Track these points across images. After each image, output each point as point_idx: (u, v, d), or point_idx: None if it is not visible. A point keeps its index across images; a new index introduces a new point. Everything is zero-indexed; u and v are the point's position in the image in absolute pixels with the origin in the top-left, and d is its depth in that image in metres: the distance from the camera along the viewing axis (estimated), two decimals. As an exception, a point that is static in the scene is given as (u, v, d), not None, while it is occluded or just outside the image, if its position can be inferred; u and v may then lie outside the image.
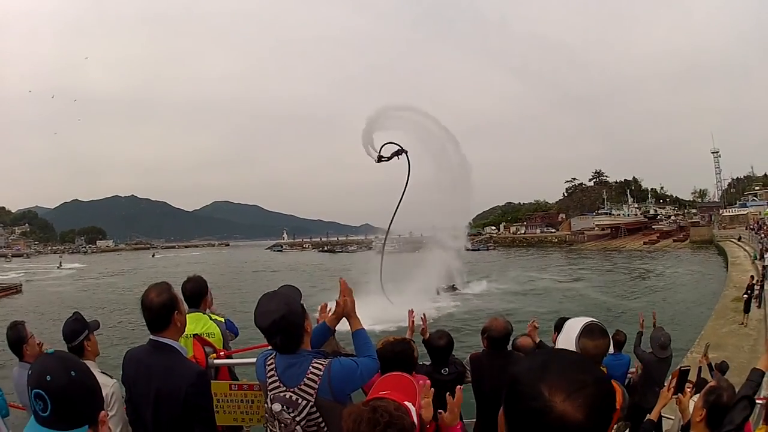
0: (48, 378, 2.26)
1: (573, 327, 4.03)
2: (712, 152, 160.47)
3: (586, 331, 3.91)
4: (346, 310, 4.21)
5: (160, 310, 4.16)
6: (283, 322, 3.71)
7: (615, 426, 7.80)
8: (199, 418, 4.06)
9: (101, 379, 3.45)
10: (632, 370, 9.70)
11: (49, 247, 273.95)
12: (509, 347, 6.59)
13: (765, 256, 40.29)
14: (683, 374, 4.98)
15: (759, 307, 27.65)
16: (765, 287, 29.97)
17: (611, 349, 8.00)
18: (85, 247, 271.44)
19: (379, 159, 42.59)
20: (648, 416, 5.24)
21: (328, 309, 4.67)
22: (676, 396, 4.89)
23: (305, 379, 3.71)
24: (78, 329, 4.85)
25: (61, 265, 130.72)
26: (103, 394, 2.70)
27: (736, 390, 4.53)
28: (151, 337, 4.24)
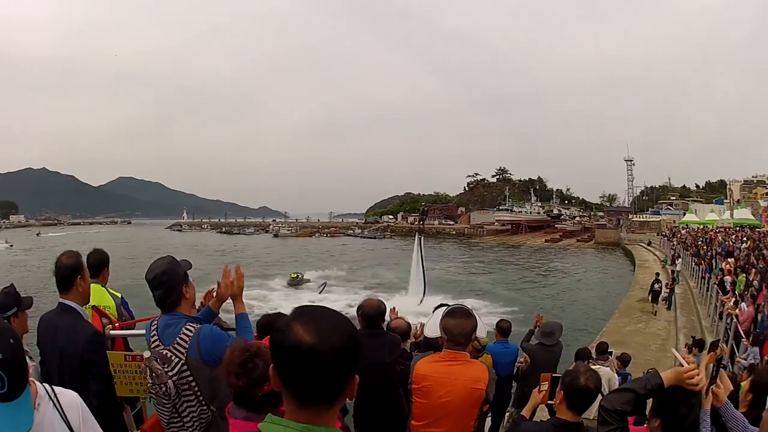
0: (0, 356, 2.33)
1: (440, 311, 4.71)
2: (626, 160, 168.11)
3: (449, 312, 4.44)
4: (232, 293, 4.34)
5: (66, 270, 4.38)
6: (164, 276, 4.00)
7: (507, 414, 9.75)
8: (94, 375, 4.18)
9: None
10: (521, 360, 9.91)
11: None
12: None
13: (677, 261, 40.83)
14: (555, 381, 4.89)
15: (669, 309, 29.02)
16: (675, 290, 31.10)
17: (496, 337, 9.55)
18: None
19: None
20: (521, 412, 5.26)
21: (214, 292, 4.83)
22: (550, 402, 4.86)
23: (178, 339, 3.92)
24: (8, 303, 4.52)
25: None
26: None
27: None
28: (59, 299, 4.41)
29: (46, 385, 2.74)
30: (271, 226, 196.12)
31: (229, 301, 4.43)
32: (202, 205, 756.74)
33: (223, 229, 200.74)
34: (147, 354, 4.10)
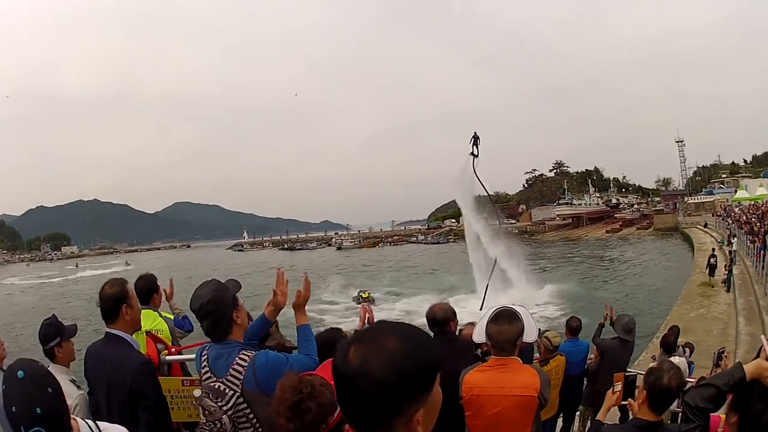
0: (38, 411, 2.38)
1: (488, 314, 4.37)
2: (677, 141, 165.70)
3: (493, 317, 4.29)
4: (296, 303, 4.25)
5: (110, 300, 4.35)
6: (210, 306, 3.81)
7: (578, 413, 9.38)
8: (144, 406, 4.15)
9: (67, 388, 3.55)
10: (591, 356, 9.65)
11: (17, 256, 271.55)
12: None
13: (733, 241, 40.41)
14: (629, 382, 5.15)
15: (728, 291, 28.46)
16: (734, 271, 30.50)
17: (566, 335, 9.43)
18: (51, 254, 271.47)
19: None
20: (597, 416, 5.16)
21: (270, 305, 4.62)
22: (626, 402, 4.74)
23: (231, 370, 3.75)
24: (51, 334, 4.62)
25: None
26: (68, 404, 2.70)
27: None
28: (106, 329, 4.43)
29: (90, 422, 2.91)
30: (333, 239, 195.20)
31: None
32: (263, 224, 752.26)
33: (286, 246, 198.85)
34: (197, 393, 3.96)
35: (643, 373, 6.73)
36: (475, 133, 44.58)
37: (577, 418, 9.73)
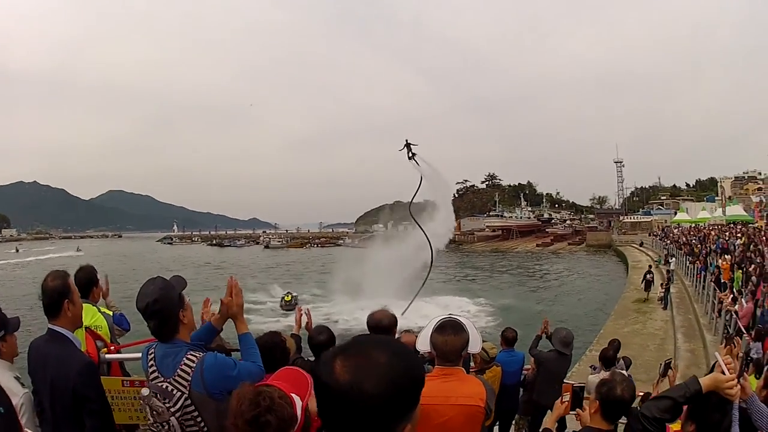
0: None
1: (432, 323, 4.32)
2: (616, 162, 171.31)
3: (438, 327, 4.19)
4: (231, 312, 4.08)
5: (52, 294, 4.16)
6: (156, 305, 3.67)
7: (513, 422, 9.92)
8: (88, 410, 4.00)
9: (12, 385, 3.73)
10: (527, 366, 9.90)
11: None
12: None
13: (670, 260, 41.54)
14: (576, 393, 5.09)
15: (665, 308, 29.29)
16: (671, 290, 31.60)
17: (501, 345, 9.62)
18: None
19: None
20: (546, 425, 5.35)
21: (210, 304, 4.93)
22: (574, 412, 4.90)
23: (179, 370, 3.62)
24: None
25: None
26: (13, 404, 2.66)
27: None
28: (48, 325, 4.24)
29: None
30: (261, 238, 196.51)
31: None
32: (193, 218, 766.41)
33: (214, 242, 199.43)
34: (145, 392, 3.75)
35: (584, 384, 7.76)
36: (407, 140, 45.64)
37: (512, 427, 9.90)
